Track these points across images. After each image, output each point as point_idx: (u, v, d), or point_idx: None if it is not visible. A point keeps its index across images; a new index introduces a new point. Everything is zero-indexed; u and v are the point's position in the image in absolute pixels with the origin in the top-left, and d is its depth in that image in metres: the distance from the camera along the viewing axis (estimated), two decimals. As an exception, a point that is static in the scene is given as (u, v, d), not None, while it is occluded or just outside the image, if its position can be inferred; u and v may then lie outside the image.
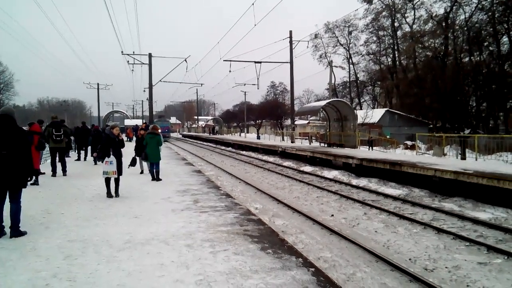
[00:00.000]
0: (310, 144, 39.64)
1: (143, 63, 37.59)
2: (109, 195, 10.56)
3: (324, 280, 4.88)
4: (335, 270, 7.33)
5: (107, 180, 10.58)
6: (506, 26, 36.65)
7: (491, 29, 37.96)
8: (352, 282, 6.84)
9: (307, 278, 4.93)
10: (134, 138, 15.79)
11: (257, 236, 6.74)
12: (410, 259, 8.01)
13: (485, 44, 39.37)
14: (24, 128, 9.54)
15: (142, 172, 15.86)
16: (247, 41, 32.88)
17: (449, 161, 18.73)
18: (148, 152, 13.83)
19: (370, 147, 35.93)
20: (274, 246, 6.21)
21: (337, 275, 7.07)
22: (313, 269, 5.23)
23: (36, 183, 12.51)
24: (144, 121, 50.83)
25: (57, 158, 15.21)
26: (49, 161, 15.52)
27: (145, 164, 15.62)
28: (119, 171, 10.67)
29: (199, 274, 5.09)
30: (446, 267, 7.58)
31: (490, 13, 36.84)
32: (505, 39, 38.49)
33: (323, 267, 7.31)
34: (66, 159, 17.51)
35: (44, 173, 14.93)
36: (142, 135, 15.79)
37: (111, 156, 10.49)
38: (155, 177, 13.79)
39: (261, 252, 5.91)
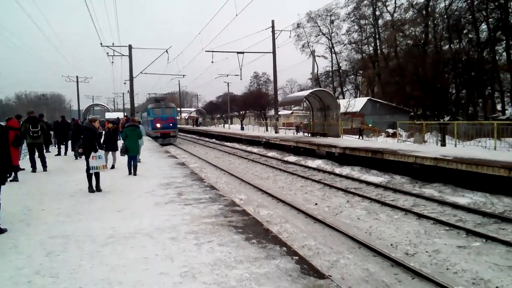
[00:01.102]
0: (296, 134, 39.80)
1: (123, 55, 36.95)
2: (91, 190, 10.43)
3: (307, 267, 4.94)
4: (319, 258, 7.44)
5: (89, 175, 10.44)
6: (485, 14, 37.21)
7: (470, 16, 38.50)
8: (335, 268, 6.95)
9: (291, 266, 4.99)
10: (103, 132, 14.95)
11: (242, 227, 6.77)
12: (391, 245, 8.17)
13: (465, 31, 39.95)
14: (2, 123, 9.32)
15: (113, 167, 15.08)
16: (229, 32, 32.59)
17: (429, 148, 19.07)
18: (128, 145, 13.34)
19: (360, 136, 36.31)
20: (259, 236, 6.26)
21: (321, 262, 7.18)
22: (296, 257, 5.30)
23: (15, 179, 12.27)
24: (125, 114, 50.06)
25: (36, 154, 14.93)
26: (28, 156, 15.19)
27: (118, 157, 15.17)
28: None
29: (183, 266, 5.10)
30: (426, 252, 7.76)
31: (469, 1, 37.31)
32: (483, 26, 39.11)
33: (308, 255, 7.41)
34: (46, 154, 17.21)
35: (23, 169, 14.64)
36: (109, 128, 15.18)
37: (99, 150, 10.33)
38: (133, 172, 13.31)
39: (246, 243, 5.95)
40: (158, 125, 38.54)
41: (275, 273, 4.78)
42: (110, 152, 15.11)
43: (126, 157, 13.53)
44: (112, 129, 15.33)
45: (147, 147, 24.46)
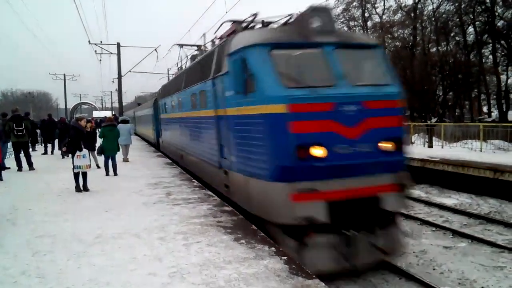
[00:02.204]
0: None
1: (112, 53, 36.60)
2: (78, 189, 10.32)
3: (296, 268, 4.96)
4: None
5: (76, 175, 10.33)
6: (472, 17, 37.74)
7: (458, 19, 39.00)
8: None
9: (279, 266, 5.00)
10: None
11: (231, 227, 6.77)
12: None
13: (452, 34, 40.44)
14: None
15: (98, 167, 14.63)
16: (219, 31, 32.51)
17: (416, 149, 19.27)
18: (105, 145, 13.02)
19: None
20: (248, 236, 6.26)
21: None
22: (285, 257, 5.31)
23: (0, 178, 12.09)
24: (113, 113, 49.59)
25: (22, 153, 14.72)
26: (13, 155, 14.97)
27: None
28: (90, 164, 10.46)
29: (172, 267, 5.08)
30: (413, 252, 7.85)
31: (456, 4, 37.80)
32: (470, 29, 39.66)
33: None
34: (33, 153, 16.98)
35: (9, 168, 14.42)
36: (90, 128, 14.69)
37: (84, 149, 10.23)
38: (113, 172, 13.03)
39: (235, 243, 5.94)
40: None
41: (264, 273, 4.79)
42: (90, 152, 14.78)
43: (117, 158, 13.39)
44: (92, 129, 15.11)
45: (135, 147, 24.28)
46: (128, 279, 4.73)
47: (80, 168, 10.21)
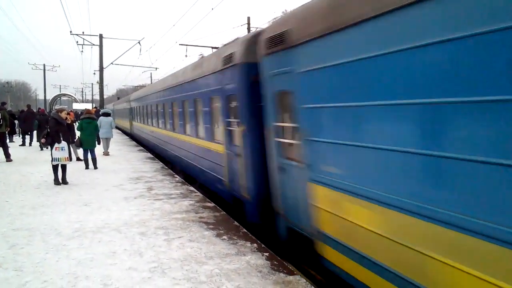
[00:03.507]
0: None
1: (94, 44, 35.95)
2: (56, 182, 10.13)
3: (277, 264, 4.99)
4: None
5: (55, 167, 10.13)
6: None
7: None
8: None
9: (261, 262, 5.03)
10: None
11: (213, 223, 6.75)
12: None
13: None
14: None
15: (78, 159, 14.38)
16: (204, 25, 32.38)
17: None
18: (83, 138, 12.76)
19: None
20: (230, 232, 6.26)
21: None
22: (267, 253, 5.34)
23: (-24, 169, 11.78)
24: (94, 106, 48.80)
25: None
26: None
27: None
28: (69, 157, 10.27)
29: (153, 262, 5.04)
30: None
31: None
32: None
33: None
34: (10, 144, 16.59)
35: (-15, 159, 14.06)
36: (70, 120, 14.22)
37: (62, 141, 10.04)
38: (93, 165, 12.85)
39: (217, 239, 5.94)
40: None
41: (246, 269, 4.81)
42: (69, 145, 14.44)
43: (97, 151, 13.16)
44: (71, 121, 14.77)
45: (116, 140, 23.96)
46: (108, 273, 4.67)
47: (58, 160, 10.03)
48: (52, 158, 10.03)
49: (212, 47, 36.83)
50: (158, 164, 14.22)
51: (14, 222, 6.76)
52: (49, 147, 10.34)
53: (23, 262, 5.03)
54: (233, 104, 7.11)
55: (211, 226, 6.57)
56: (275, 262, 5.06)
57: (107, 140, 16.64)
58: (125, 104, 34.63)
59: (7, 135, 16.41)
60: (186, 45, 35.82)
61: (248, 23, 36.85)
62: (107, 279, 4.52)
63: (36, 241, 5.84)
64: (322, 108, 4.30)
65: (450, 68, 2.68)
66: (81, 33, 34.45)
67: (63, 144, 10.07)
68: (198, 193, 9.17)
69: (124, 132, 36.38)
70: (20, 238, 5.96)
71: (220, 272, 4.71)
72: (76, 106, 59.19)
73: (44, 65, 63.85)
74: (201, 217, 7.12)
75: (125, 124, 34.08)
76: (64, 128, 10.32)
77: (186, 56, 36.40)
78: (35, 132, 20.56)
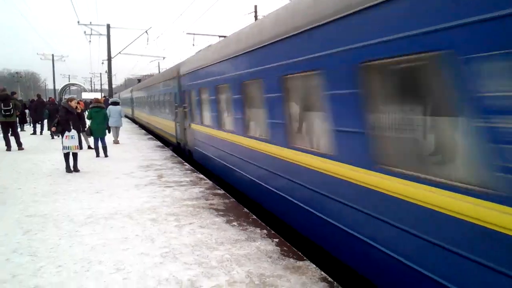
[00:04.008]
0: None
1: (101, 34, 35.99)
2: (68, 170, 10.26)
3: (287, 249, 5.03)
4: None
5: (66, 155, 10.25)
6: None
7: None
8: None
9: (271, 248, 5.07)
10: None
11: (223, 210, 6.81)
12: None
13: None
14: None
15: (90, 148, 14.56)
16: (211, 14, 32.20)
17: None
18: (93, 127, 12.93)
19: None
20: (240, 218, 6.31)
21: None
22: (277, 239, 5.37)
23: (-11, 157, 11.96)
24: (103, 95, 48.99)
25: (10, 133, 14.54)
26: (2, 135, 14.77)
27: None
28: (80, 145, 10.38)
29: (164, 247, 5.11)
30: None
31: None
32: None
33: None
34: (21, 133, 16.78)
35: (-3, 148, 14.26)
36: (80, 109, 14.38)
37: (72, 130, 10.14)
38: (104, 154, 12.95)
39: (227, 225, 5.99)
40: None
41: (256, 255, 4.85)
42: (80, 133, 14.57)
43: (107, 139, 13.30)
44: (81, 110, 14.84)
45: (126, 129, 24.11)
46: (120, 259, 4.75)
47: (69, 149, 10.14)
48: (62, 147, 10.16)
49: (220, 36, 36.69)
50: (168, 152, 14.31)
51: (27, 209, 6.88)
52: (59, 135, 10.45)
53: (37, 247, 5.13)
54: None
55: (221, 213, 6.62)
56: (285, 248, 5.09)
57: (117, 129, 16.76)
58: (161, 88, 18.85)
59: (18, 124, 16.62)
60: (194, 34, 35.70)
61: (255, 11, 36.57)
62: (120, 264, 4.59)
63: (49, 227, 5.94)
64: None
65: None
66: (89, 23, 34.48)
67: (73, 132, 10.16)
68: (208, 181, 9.22)
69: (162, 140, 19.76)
70: (33, 224, 6.06)
71: (231, 258, 4.76)
72: (85, 96, 59.48)
73: (52, 55, 64.05)
74: (211, 204, 7.17)
75: (164, 123, 18.44)
76: (74, 117, 10.41)
77: (193, 45, 36.30)
78: (45, 121, 20.78)
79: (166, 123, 17.59)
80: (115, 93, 61.96)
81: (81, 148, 10.48)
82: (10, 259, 4.74)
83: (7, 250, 5.01)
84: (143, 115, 28.41)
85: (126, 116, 38.87)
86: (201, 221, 6.18)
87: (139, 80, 42.41)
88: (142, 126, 29.45)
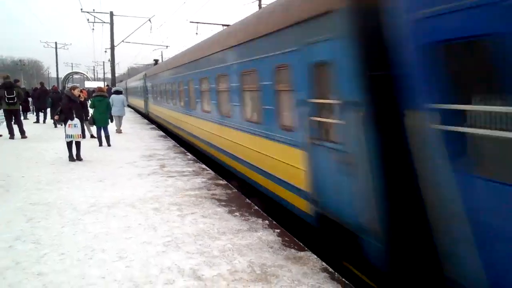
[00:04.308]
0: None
1: (104, 22, 35.83)
2: (71, 158, 10.30)
3: (288, 240, 5.05)
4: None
5: (69, 144, 10.28)
6: None
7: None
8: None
9: (272, 238, 5.09)
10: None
11: (225, 200, 6.83)
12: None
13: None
14: None
15: (92, 136, 14.55)
16: (215, 3, 31.98)
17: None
18: (96, 116, 12.90)
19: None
20: (242, 209, 6.33)
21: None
22: (278, 230, 5.39)
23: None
24: (106, 84, 48.94)
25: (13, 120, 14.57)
26: (5, 123, 14.81)
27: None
28: (82, 134, 10.40)
29: (167, 236, 5.14)
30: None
31: None
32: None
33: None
34: (24, 121, 16.82)
35: (1, 135, 14.31)
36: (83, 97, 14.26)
37: (75, 118, 10.15)
38: (106, 143, 12.96)
39: (229, 215, 6.01)
40: None
41: (257, 245, 4.87)
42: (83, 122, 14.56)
43: (110, 128, 13.30)
44: (84, 98, 14.85)
45: (128, 118, 24.11)
46: (123, 247, 4.78)
47: (71, 137, 10.16)
48: (65, 135, 10.18)
49: (223, 25, 36.46)
50: (171, 142, 14.32)
51: (30, 197, 6.92)
52: (62, 124, 10.47)
53: (41, 235, 5.17)
54: None
55: (223, 203, 6.64)
56: (286, 238, 5.12)
57: (120, 118, 16.76)
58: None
59: (21, 112, 16.65)
60: (197, 22, 35.47)
61: (259, 0, 36.24)
62: (123, 252, 4.62)
63: (52, 215, 5.97)
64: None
65: None
66: (92, 11, 34.33)
67: (76, 121, 10.17)
68: (210, 171, 9.24)
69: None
70: (37, 212, 6.10)
71: (233, 247, 4.78)
72: (88, 84, 59.47)
73: (56, 43, 64.00)
74: (213, 194, 7.20)
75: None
76: (77, 105, 10.42)
77: (196, 34, 36.08)
78: (48, 110, 20.81)
79: None
80: (121, 81, 61.31)
81: (84, 137, 10.52)
82: (13, 246, 4.79)
83: (10, 238, 5.05)
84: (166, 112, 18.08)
85: (138, 112, 33.26)
86: (203, 211, 6.21)
87: (156, 62, 37.08)
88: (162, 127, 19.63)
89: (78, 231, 5.33)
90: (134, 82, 37.29)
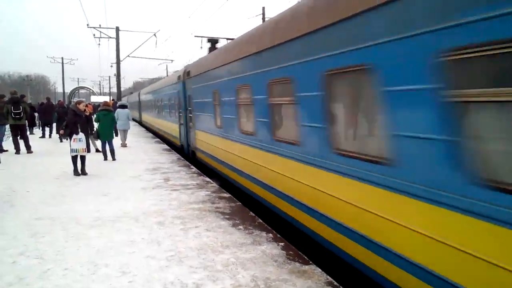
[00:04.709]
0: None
1: (110, 37, 36.28)
2: (76, 173, 10.34)
3: (293, 253, 5.01)
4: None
5: (74, 158, 10.33)
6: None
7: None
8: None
9: (277, 252, 5.05)
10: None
11: (229, 213, 6.80)
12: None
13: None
14: None
15: (97, 151, 14.59)
16: (219, 17, 32.32)
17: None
18: (101, 130, 12.97)
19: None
20: (246, 222, 6.30)
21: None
22: (282, 243, 5.36)
23: (-2, 160, 12.09)
24: (112, 98, 49.33)
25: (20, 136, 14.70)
26: (11, 138, 14.94)
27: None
28: (87, 148, 10.46)
29: (170, 250, 5.11)
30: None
31: None
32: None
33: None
34: (31, 136, 16.95)
35: (7, 151, 14.40)
36: (89, 112, 13.41)
37: (80, 133, 10.22)
38: (111, 157, 12.98)
39: (233, 228, 5.98)
40: None
41: (261, 258, 4.84)
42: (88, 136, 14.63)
43: (115, 142, 13.38)
44: (90, 113, 14.95)
45: (133, 132, 24.24)
46: (126, 261, 4.76)
47: (76, 151, 10.22)
48: (70, 149, 10.25)
49: (227, 39, 36.73)
50: (175, 156, 14.35)
51: (35, 212, 6.93)
52: (68, 138, 10.55)
53: (45, 250, 5.16)
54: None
55: (227, 216, 6.62)
56: (291, 252, 5.07)
57: (125, 132, 16.86)
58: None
59: (27, 127, 16.79)
60: (202, 36, 35.80)
61: (263, 13, 36.60)
62: (126, 267, 4.60)
63: (56, 230, 5.98)
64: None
65: None
66: (98, 26, 34.81)
67: (81, 135, 10.24)
68: (214, 184, 9.23)
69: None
70: (41, 227, 6.11)
71: (236, 261, 4.75)
72: (94, 99, 60.00)
73: (62, 58, 64.69)
74: (217, 207, 7.18)
75: None
76: (82, 119, 10.50)
77: (201, 47, 36.36)
78: (54, 124, 20.96)
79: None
80: (124, 95, 61.96)
81: (89, 151, 10.57)
82: (17, 262, 4.78)
83: (15, 253, 5.05)
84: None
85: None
86: (207, 224, 6.19)
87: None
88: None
89: (81, 245, 5.32)
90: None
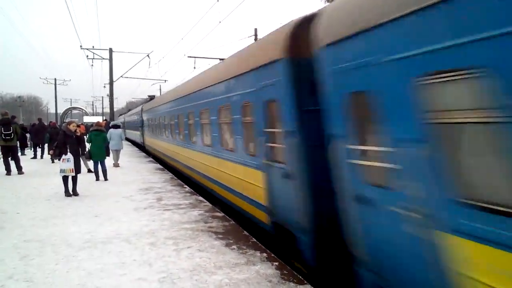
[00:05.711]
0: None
1: (104, 58, 36.46)
2: (67, 194, 10.22)
3: (287, 273, 4.95)
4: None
5: (65, 179, 10.24)
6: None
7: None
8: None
9: (271, 272, 4.99)
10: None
11: (222, 233, 6.74)
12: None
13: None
14: None
15: (89, 171, 14.55)
16: (212, 38, 32.75)
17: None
18: (93, 150, 12.90)
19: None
20: (239, 242, 6.23)
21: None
22: (277, 263, 5.30)
23: (-12, 182, 11.94)
24: (104, 118, 49.25)
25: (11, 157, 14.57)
26: (2, 159, 14.80)
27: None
28: (77, 169, 10.36)
29: (162, 272, 5.03)
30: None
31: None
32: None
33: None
34: (22, 157, 16.79)
35: (-3, 172, 14.24)
36: (80, 132, 14.08)
37: (68, 153, 10.16)
38: (103, 177, 12.85)
39: (226, 248, 5.91)
40: None
41: (255, 279, 4.77)
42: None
43: (107, 162, 13.29)
44: (81, 133, 14.89)
45: (126, 152, 24.12)
46: (117, 284, 4.67)
47: (65, 172, 10.14)
48: (59, 170, 10.20)
49: (220, 59, 37.08)
50: (168, 175, 14.27)
51: (25, 234, 6.82)
52: (59, 159, 10.48)
53: (34, 273, 5.05)
54: None
55: (220, 236, 6.55)
56: (285, 272, 5.01)
57: (117, 152, 16.77)
58: None
59: (18, 148, 16.65)
60: (195, 57, 36.15)
61: (255, 34, 37.10)
62: (117, 290, 4.51)
63: (46, 252, 5.87)
64: None
65: None
66: (91, 47, 34.99)
67: (69, 156, 10.17)
68: (207, 203, 9.16)
69: None
70: (31, 249, 6.00)
71: (230, 282, 4.68)
72: (87, 119, 59.82)
73: (55, 79, 64.71)
74: (210, 227, 7.11)
75: None
76: (72, 140, 10.44)
77: (194, 68, 36.66)
78: (46, 145, 20.81)
79: None
80: (120, 115, 61.44)
81: (79, 172, 10.47)
82: (5, 285, 4.67)
83: (3, 276, 4.94)
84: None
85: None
86: (200, 244, 6.11)
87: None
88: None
89: (72, 268, 5.21)
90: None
